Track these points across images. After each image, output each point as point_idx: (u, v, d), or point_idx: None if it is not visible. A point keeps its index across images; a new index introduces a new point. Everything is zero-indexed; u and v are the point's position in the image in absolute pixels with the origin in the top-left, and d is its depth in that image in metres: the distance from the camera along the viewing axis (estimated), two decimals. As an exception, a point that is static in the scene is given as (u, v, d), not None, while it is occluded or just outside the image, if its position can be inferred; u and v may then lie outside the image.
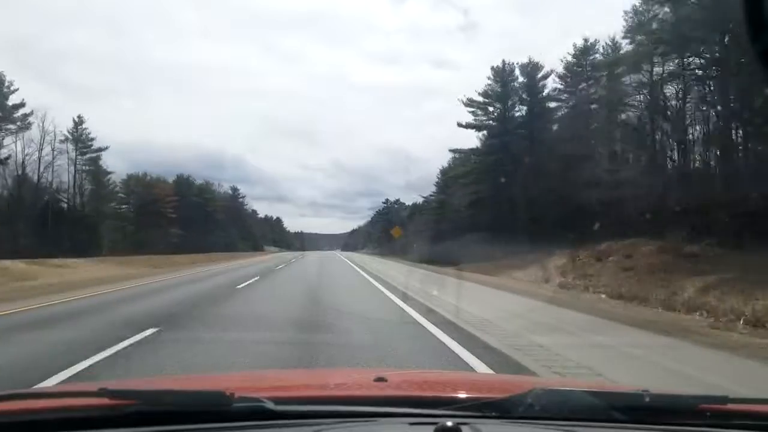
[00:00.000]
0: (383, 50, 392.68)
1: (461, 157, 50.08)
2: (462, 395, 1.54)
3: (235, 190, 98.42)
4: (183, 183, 72.78)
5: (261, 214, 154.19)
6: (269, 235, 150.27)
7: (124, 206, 59.36)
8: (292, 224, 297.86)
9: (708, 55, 25.18)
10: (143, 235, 54.20)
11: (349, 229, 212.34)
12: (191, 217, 67.03)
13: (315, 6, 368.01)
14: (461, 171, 41.79)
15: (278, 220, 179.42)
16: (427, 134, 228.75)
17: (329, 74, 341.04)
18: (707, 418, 1.33)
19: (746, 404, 1.43)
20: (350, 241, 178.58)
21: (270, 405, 1.27)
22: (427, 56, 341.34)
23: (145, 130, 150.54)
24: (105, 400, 1.25)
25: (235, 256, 51.77)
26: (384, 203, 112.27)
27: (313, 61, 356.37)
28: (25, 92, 60.22)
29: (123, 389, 1.31)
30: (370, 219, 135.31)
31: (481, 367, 5.45)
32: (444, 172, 60.62)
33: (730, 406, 1.35)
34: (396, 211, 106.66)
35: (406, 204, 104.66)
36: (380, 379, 1.69)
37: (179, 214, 64.50)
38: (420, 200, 78.02)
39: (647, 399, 1.35)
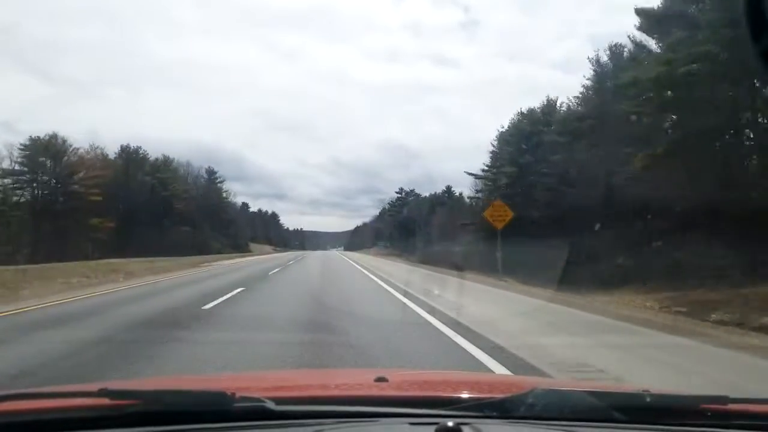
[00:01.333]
0: (384, 47, 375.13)
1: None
2: (463, 395, 1.51)
3: (211, 173, 77.41)
4: (130, 158, 52.65)
5: (254, 209, 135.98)
6: (262, 232, 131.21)
7: (18, 186, 39.09)
8: (291, 222, 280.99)
9: None
10: (41, 230, 34.14)
11: (350, 227, 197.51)
12: (137, 204, 47.17)
13: (315, 2, 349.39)
14: (621, 82, 18.51)
15: (274, 216, 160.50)
16: (427, 132, 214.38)
17: (329, 71, 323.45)
18: (708, 418, 1.31)
19: (747, 404, 1.41)
20: (354, 240, 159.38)
21: (271, 405, 1.25)
22: (427, 53, 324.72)
23: (142, 126, 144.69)
24: (105, 400, 1.22)
25: (160, 266, 30.58)
26: (398, 193, 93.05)
27: (313, 57, 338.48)
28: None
29: (124, 389, 1.29)
30: (378, 213, 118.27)
31: None
32: (503, 138, 40.71)
33: (731, 406, 1.32)
34: (412, 203, 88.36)
35: (422, 195, 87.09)
36: (381, 379, 1.65)
37: (115, 199, 44.66)
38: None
39: (648, 399, 1.33)
